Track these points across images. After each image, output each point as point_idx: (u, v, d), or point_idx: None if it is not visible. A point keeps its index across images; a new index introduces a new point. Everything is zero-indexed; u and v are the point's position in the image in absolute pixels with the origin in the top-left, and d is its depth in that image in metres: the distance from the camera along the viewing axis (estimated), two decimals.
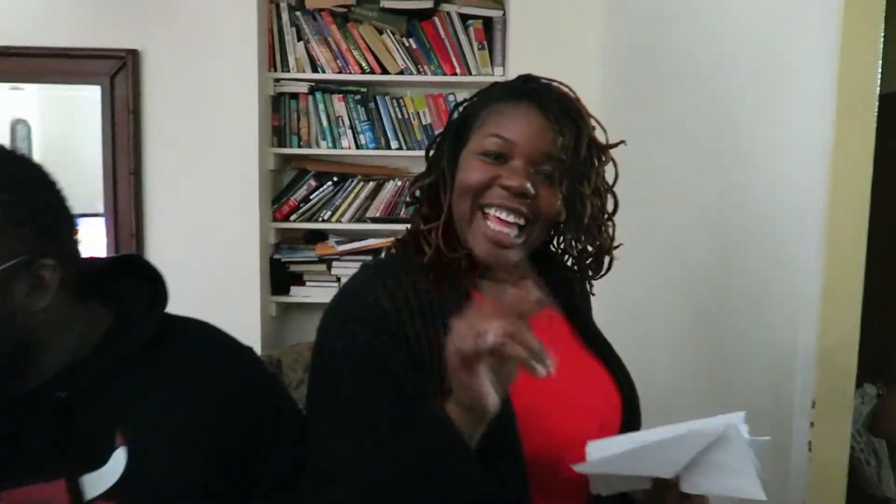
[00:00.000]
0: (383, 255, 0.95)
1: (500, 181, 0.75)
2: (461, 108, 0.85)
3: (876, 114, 1.26)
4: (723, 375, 1.34)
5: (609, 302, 0.94)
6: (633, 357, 0.86)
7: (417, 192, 0.85)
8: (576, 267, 0.87)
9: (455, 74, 2.24)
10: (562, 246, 0.87)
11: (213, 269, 2.00)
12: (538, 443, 0.71)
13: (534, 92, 0.79)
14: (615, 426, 0.80)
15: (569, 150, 0.75)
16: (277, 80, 2.24)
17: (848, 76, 1.23)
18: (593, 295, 0.90)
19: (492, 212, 0.76)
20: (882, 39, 1.25)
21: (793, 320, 1.31)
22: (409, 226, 0.84)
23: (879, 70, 1.25)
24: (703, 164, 1.35)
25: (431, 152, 0.85)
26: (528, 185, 0.74)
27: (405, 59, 2.23)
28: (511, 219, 0.75)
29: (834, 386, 1.30)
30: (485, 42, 2.23)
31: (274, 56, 2.22)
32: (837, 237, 1.27)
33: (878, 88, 1.26)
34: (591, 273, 0.86)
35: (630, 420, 0.82)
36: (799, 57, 1.28)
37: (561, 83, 0.81)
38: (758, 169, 1.33)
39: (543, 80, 0.82)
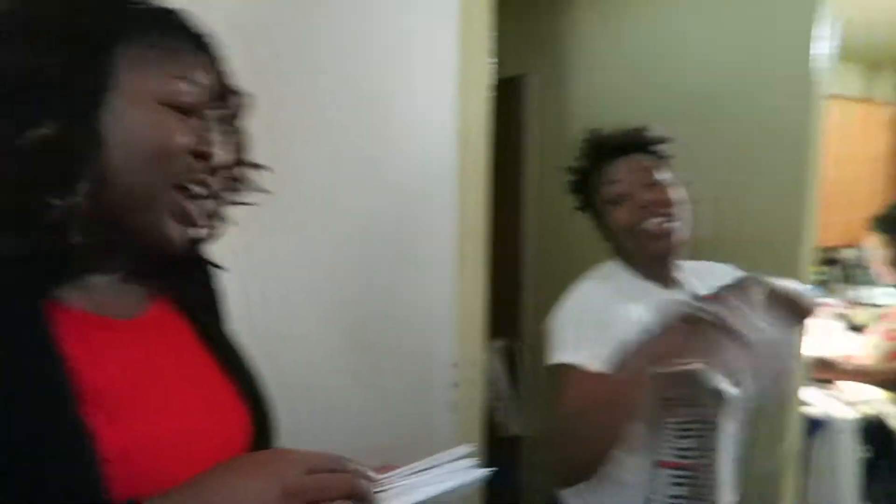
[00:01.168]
0: None
1: None
2: None
3: (490, 98, 1.39)
4: (370, 353, 1.34)
5: (238, 290, 0.81)
6: (274, 348, 0.76)
7: None
8: None
9: None
10: None
11: None
12: (135, 491, 0.55)
13: None
14: (240, 450, 0.69)
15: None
16: None
17: (466, 66, 1.33)
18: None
19: None
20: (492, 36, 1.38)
21: (432, 291, 1.38)
22: None
23: (490, 61, 1.39)
24: (342, 148, 1.30)
25: None
26: None
27: None
28: None
29: (470, 347, 1.41)
30: None
31: None
32: (466, 218, 1.37)
33: (492, 77, 1.39)
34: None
35: (261, 438, 0.72)
36: (424, 48, 1.33)
37: None
38: (394, 152, 1.34)
39: None
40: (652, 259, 1.32)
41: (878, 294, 4.26)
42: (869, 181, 4.41)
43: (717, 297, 1.25)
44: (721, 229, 1.87)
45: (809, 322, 1.54)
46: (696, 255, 1.44)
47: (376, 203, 1.33)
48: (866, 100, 4.75)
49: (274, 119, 1.18)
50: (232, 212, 0.69)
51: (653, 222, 1.28)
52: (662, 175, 1.33)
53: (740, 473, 1.26)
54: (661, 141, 1.38)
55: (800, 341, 1.77)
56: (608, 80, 2.25)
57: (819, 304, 1.53)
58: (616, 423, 1.08)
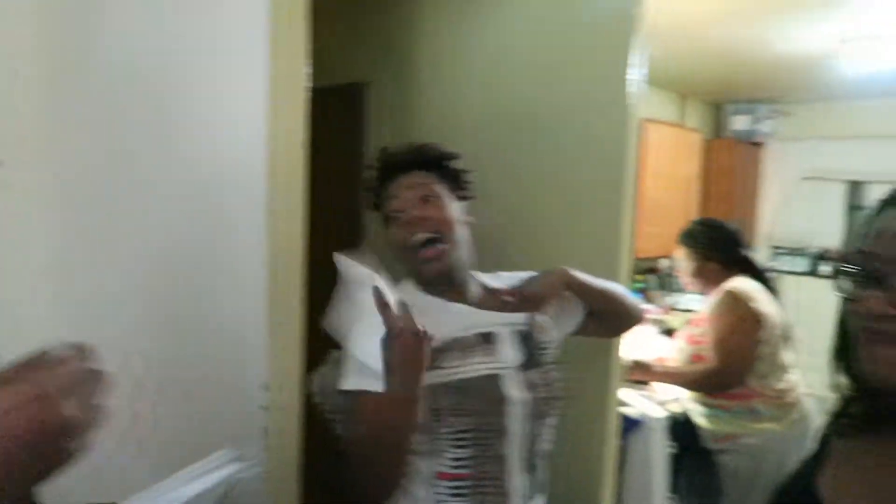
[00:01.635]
0: None
1: None
2: None
3: (307, 104, 1.33)
4: (178, 370, 1.21)
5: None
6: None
7: None
8: None
9: None
10: None
11: None
12: None
13: None
14: None
15: None
16: None
17: (277, 70, 1.26)
18: None
19: None
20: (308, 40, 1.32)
21: (243, 307, 1.28)
22: None
23: (306, 69, 1.33)
24: (137, 149, 1.17)
25: None
26: None
27: None
28: None
29: (284, 369, 1.32)
30: None
31: None
32: (278, 232, 1.29)
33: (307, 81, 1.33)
34: None
35: None
36: (229, 47, 1.24)
37: None
38: (200, 155, 1.23)
39: None
40: (427, 278, 1.30)
41: (689, 301, 4.72)
42: (683, 199, 4.88)
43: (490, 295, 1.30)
44: (543, 240, 1.98)
45: (638, 326, 1.64)
46: (502, 267, 1.48)
47: (179, 208, 1.21)
48: (679, 125, 5.27)
49: (54, 114, 1.04)
50: None
51: (418, 238, 1.26)
52: (440, 193, 1.32)
53: (548, 475, 1.31)
54: (446, 158, 1.39)
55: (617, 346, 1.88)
56: (452, 87, 2.27)
57: (644, 310, 1.64)
58: (398, 441, 1.07)
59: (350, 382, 1.10)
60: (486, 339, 1.25)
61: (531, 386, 1.23)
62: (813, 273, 5.63)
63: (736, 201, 5.38)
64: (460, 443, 1.16)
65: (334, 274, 1.18)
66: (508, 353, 1.25)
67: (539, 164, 2.01)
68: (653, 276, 4.58)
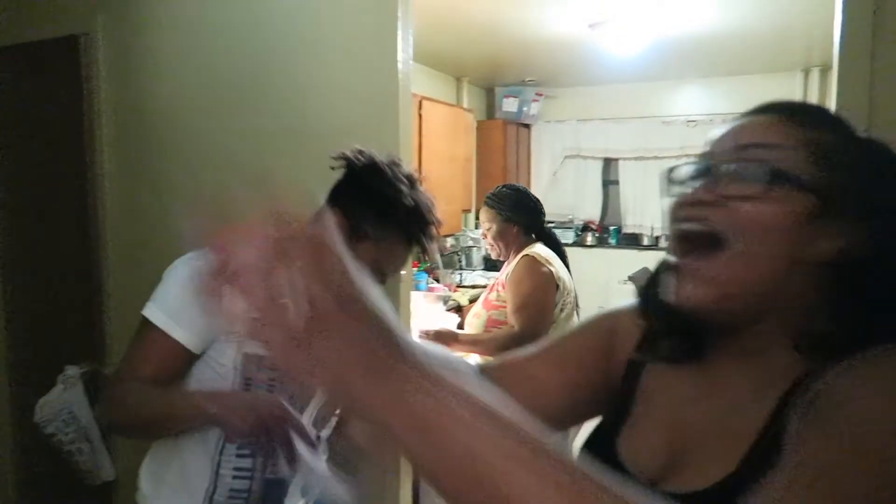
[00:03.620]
0: None
1: None
2: None
3: None
4: None
5: None
6: None
7: None
8: None
9: None
10: None
11: None
12: None
13: None
14: None
15: None
16: None
17: None
18: None
19: None
20: None
21: None
22: None
23: None
24: None
25: None
26: None
27: None
28: None
29: None
30: None
31: None
32: None
33: None
34: None
35: None
36: None
37: None
38: None
39: None
40: None
41: (475, 277, 4.84)
42: (461, 177, 4.99)
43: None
44: None
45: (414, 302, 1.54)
46: None
47: None
48: (456, 105, 5.37)
49: None
50: None
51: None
52: None
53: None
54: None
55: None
56: (182, 42, 1.98)
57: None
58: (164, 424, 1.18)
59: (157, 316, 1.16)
60: None
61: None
62: (579, 244, 6.15)
63: (509, 178, 5.65)
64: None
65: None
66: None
67: (304, 141, 1.85)
68: (440, 255, 4.61)
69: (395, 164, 1.28)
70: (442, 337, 2.43)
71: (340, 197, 1.25)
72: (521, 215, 2.50)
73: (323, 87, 1.83)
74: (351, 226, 1.20)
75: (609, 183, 6.30)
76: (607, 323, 0.76)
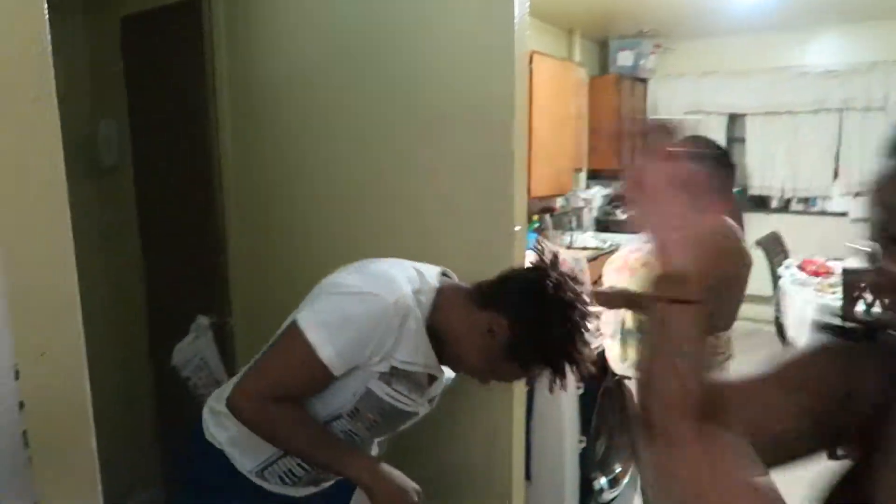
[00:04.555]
0: None
1: None
2: None
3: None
4: None
5: None
6: None
7: None
8: None
9: None
10: None
11: None
12: None
13: None
14: None
15: None
16: None
17: None
18: None
19: None
20: None
21: None
22: None
23: None
24: None
25: None
26: None
27: None
28: None
29: (47, 342, 0.93)
30: None
31: None
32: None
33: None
34: None
35: None
36: None
37: None
38: None
39: None
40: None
41: (586, 238, 4.67)
42: (571, 136, 4.79)
43: None
44: (433, 188, 1.78)
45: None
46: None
47: None
48: (567, 59, 5.14)
49: None
50: None
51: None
52: None
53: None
54: None
55: None
56: (303, 14, 1.96)
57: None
58: (294, 438, 1.21)
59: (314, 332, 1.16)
60: (430, 381, 1.32)
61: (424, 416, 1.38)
62: None
63: (622, 137, 5.37)
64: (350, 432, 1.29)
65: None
66: (432, 397, 1.35)
67: (418, 104, 1.78)
68: (547, 216, 4.48)
69: (575, 280, 1.22)
70: (619, 297, 2.25)
71: (515, 307, 1.20)
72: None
73: (438, 46, 1.76)
74: (510, 341, 1.18)
75: (733, 140, 5.86)
76: (842, 349, 0.69)
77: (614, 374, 2.44)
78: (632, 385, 2.36)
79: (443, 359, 1.27)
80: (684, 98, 5.83)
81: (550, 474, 2.30)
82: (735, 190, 2.22)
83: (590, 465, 2.46)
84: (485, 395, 1.61)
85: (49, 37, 0.84)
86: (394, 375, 1.21)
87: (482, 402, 1.72)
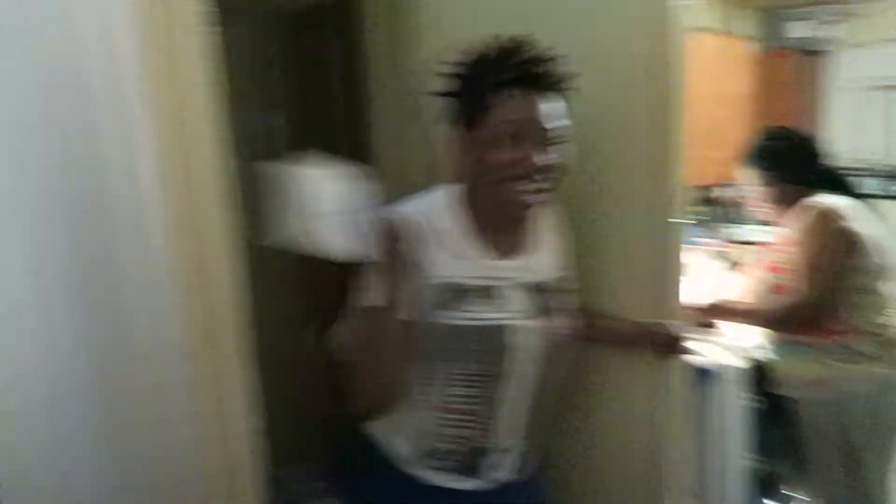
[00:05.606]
0: None
1: None
2: None
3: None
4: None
5: None
6: None
7: None
8: None
9: None
10: None
11: None
12: None
13: None
14: None
15: None
16: None
17: None
18: None
19: None
20: None
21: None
22: None
23: None
24: None
25: None
26: None
27: None
28: None
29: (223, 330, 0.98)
30: None
31: None
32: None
33: None
34: None
35: None
36: None
37: None
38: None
39: None
40: (505, 214, 1.24)
41: (752, 231, 4.25)
42: (736, 119, 4.39)
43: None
44: (584, 175, 1.61)
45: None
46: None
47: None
48: (727, 34, 4.70)
49: None
50: None
51: (532, 184, 1.17)
52: (554, 125, 1.18)
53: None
54: (563, 79, 1.22)
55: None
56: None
57: None
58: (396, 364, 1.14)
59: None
60: (499, 289, 1.23)
61: (537, 334, 1.25)
62: (887, 194, 5.07)
63: (796, 118, 4.85)
64: (455, 382, 1.20)
65: None
66: (518, 304, 1.25)
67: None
68: (712, 206, 4.12)
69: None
70: (717, 311, 2.14)
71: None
72: (794, 168, 2.10)
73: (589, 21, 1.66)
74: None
75: None
76: None
77: (777, 393, 2.17)
78: (799, 405, 2.08)
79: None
80: (874, 70, 5.12)
81: (713, 490, 2.10)
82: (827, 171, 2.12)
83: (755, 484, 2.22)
84: (632, 404, 1.50)
85: None
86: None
87: (629, 411, 1.59)
